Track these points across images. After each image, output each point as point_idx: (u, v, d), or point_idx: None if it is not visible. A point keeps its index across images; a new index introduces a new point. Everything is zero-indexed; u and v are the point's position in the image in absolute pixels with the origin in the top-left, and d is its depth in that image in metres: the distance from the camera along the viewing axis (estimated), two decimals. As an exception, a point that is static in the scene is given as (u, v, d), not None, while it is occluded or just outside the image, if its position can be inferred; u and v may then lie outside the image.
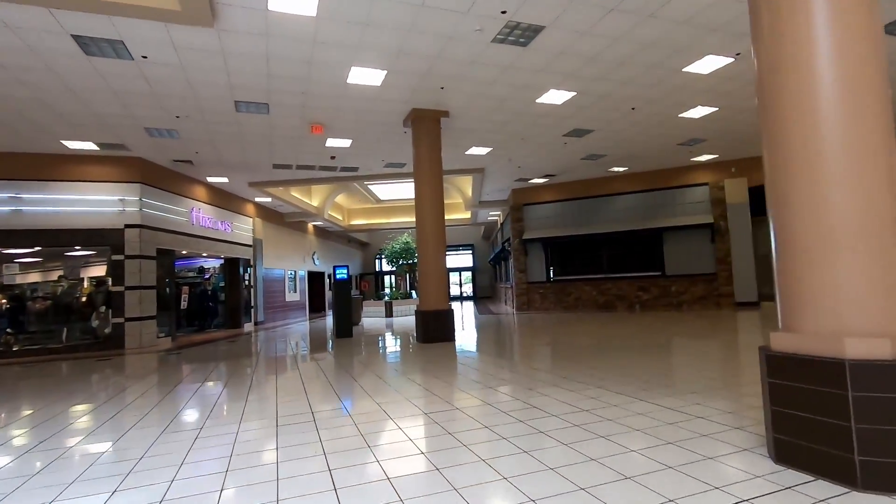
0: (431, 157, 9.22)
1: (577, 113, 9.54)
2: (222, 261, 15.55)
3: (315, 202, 19.42)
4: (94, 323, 10.72)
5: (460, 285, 33.39)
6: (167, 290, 11.80)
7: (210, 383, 5.99)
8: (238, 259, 15.45)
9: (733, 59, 7.42)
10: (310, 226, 22.38)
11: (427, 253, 9.06)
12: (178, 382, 6.14)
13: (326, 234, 24.88)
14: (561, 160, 13.23)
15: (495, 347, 8.30)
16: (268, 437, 3.61)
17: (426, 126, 9.13)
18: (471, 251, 33.25)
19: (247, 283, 15.91)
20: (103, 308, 10.68)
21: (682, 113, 9.83)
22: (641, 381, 4.86)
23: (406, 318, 16.23)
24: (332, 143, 10.52)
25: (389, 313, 17.06)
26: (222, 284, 15.67)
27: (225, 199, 14.72)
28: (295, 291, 20.38)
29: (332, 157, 11.77)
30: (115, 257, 10.58)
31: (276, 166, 12.31)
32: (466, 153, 12.01)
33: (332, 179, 14.16)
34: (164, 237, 11.59)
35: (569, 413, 3.81)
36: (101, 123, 8.66)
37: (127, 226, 10.68)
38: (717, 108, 9.66)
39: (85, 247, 10.63)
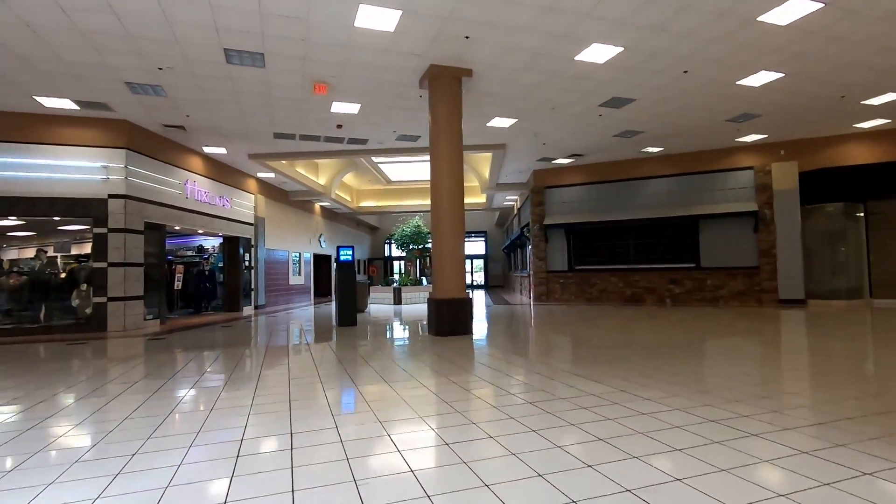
0: (450, 123, 8.01)
1: (620, 77, 8.26)
2: (221, 239, 14.54)
3: (322, 180, 18.32)
4: (75, 302, 9.76)
5: (471, 273, 32.26)
6: (156, 268, 10.80)
7: (176, 383, 4.94)
8: (238, 238, 14.43)
9: (822, 5, 6.09)
10: (317, 206, 21.31)
11: (443, 233, 7.91)
12: (138, 379, 5.10)
13: (334, 215, 23.82)
14: (591, 137, 11.94)
15: (520, 344, 7.17)
16: (219, 475, 2.52)
17: (446, 87, 7.92)
18: (483, 238, 32.06)
19: (247, 264, 14.91)
20: (84, 286, 9.71)
21: (740, 79, 8.49)
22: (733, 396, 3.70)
23: (415, 306, 15.15)
24: (338, 107, 9.35)
25: (398, 300, 16.00)
26: (221, 265, 14.68)
27: (223, 173, 13.65)
28: (299, 275, 19.38)
29: (339, 126, 10.61)
30: (97, 230, 9.56)
31: (277, 135, 11.18)
32: (488, 125, 10.78)
33: (339, 153, 13.01)
34: (154, 210, 10.55)
35: (680, 449, 2.68)
36: (74, 75, 7.56)
37: (111, 196, 9.65)
38: (782, 75, 8.31)
39: (64, 217, 9.62)
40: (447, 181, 7.99)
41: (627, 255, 14.54)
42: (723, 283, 13.21)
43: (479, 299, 18.37)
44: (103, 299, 9.52)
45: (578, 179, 15.12)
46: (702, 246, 13.50)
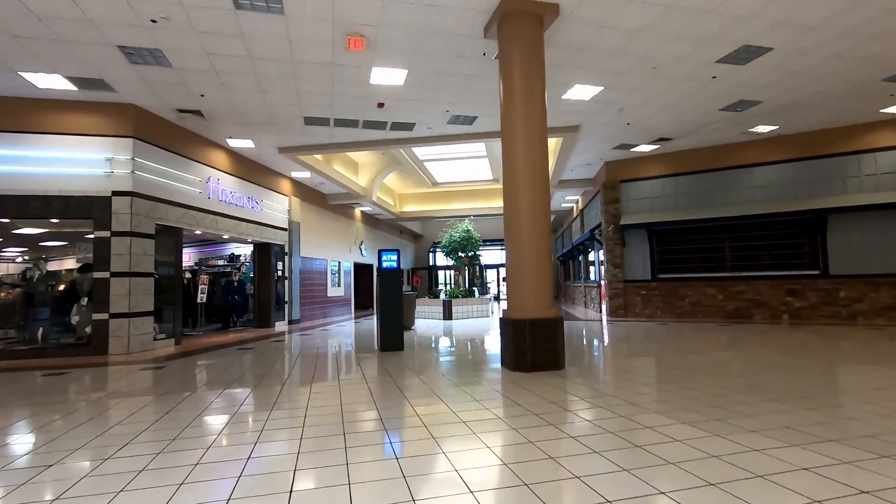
0: (529, 82, 5.91)
1: (762, 11, 5.94)
2: (252, 247, 13.02)
3: (362, 181, 16.64)
4: (74, 319, 8.28)
5: (522, 283, 29.79)
6: (171, 279, 9.24)
7: (126, 459, 3.04)
8: (269, 244, 12.86)
9: None
10: (357, 211, 19.69)
11: (520, 232, 5.80)
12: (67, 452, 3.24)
13: (375, 221, 22.17)
14: (690, 112, 9.55)
15: (657, 392, 4.88)
16: None
17: (522, 31, 5.84)
18: (534, 245, 29.59)
19: (280, 273, 13.32)
20: (85, 300, 8.21)
21: (940, 7, 5.97)
22: None
23: (468, 322, 13.04)
24: (378, 75, 7.47)
25: (448, 315, 13.96)
26: (252, 275, 13.14)
27: (252, 171, 12.12)
28: (339, 286, 17.73)
29: (380, 105, 8.76)
30: (98, 233, 8.07)
31: (308, 121, 9.46)
32: (564, 97, 8.62)
33: (380, 144, 11.19)
34: (168, 210, 9.02)
35: None
36: (55, 37, 6.03)
37: (115, 193, 8.15)
38: None
39: (61, 219, 8.18)
40: (525, 161, 5.87)
41: (727, 261, 11.90)
42: (861, 294, 10.36)
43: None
44: (105, 316, 7.98)
45: (662, 170, 12.66)
46: (830, 248, 10.71)
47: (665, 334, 9.06)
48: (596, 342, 8.54)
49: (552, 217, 24.48)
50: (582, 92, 8.40)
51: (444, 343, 8.73)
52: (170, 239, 9.20)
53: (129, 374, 6.27)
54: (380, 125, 9.87)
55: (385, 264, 7.67)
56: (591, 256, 17.27)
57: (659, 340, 8.23)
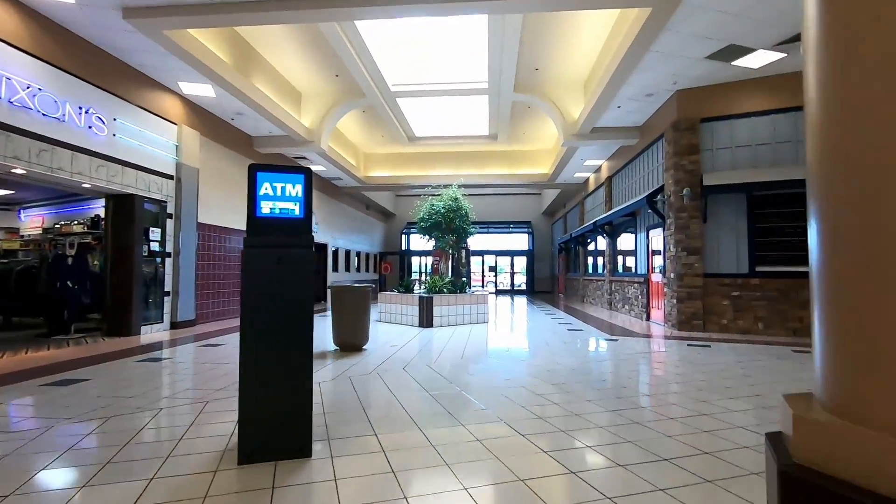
0: None
1: None
2: (105, 201, 7.84)
3: (307, 119, 11.55)
4: None
5: (512, 275, 25.26)
6: None
7: None
8: (132, 197, 7.70)
9: None
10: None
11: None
12: None
13: (333, 190, 17.05)
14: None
15: None
16: None
17: None
18: (528, 231, 25.02)
19: (156, 247, 8.20)
20: None
21: None
22: None
23: (461, 334, 8.20)
24: None
25: (427, 320, 9.06)
26: (93, 244, 7.99)
27: (89, 61, 6.88)
28: (272, 270, 12.60)
29: None
30: None
31: None
32: None
33: (306, 3, 6.15)
34: None
35: None
36: None
37: None
38: None
39: None
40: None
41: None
42: None
43: (542, 322, 11.43)
44: None
45: (771, 102, 8.05)
46: None
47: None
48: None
49: (556, 193, 19.87)
50: None
51: (440, 426, 3.72)
52: None
53: None
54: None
55: (266, 210, 2.68)
56: (623, 242, 12.66)
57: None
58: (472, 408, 3.67)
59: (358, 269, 20.77)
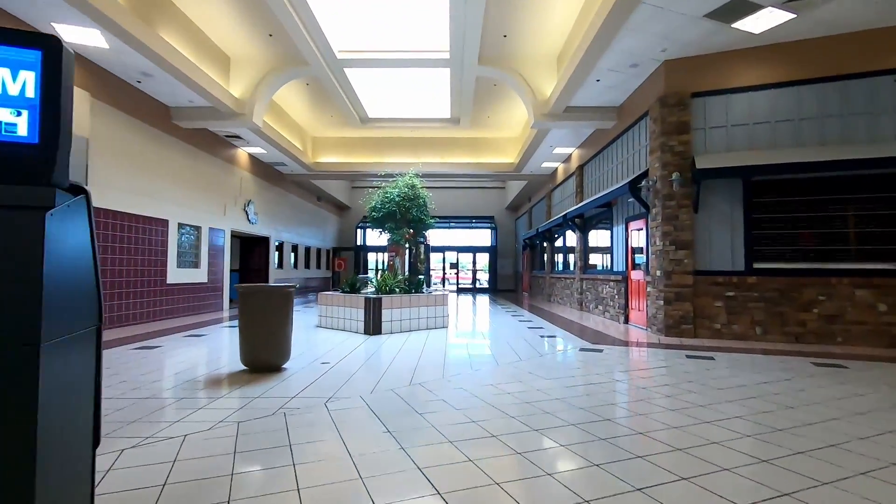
0: None
1: None
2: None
3: (236, 89, 9.85)
4: None
5: (474, 273, 24.05)
6: None
7: None
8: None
9: None
10: (241, 154, 12.71)
11: None
12: None
13: (278, 177, 15.25)
14: None
15: None
16: None
17: None
18: (490, 227, 23.86)
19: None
20: None
21: None
22: None
23: (414, 345, 6.78)
24: None
25: (374, 326, 7.56)
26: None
27: None
28: (195, 264, 10.83)
29: None
30: None
31: None
32: None
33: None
34: None
35: None
36: None
37: None
38: None
39: None
40: None
41: (895, 240, 6.56)
42: None
43: (508, 324, 10.19)
44: None
45: (772, 75, 7.05)
46: None
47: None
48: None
49: (521, 185, 18.69)
50: None
51: None
52: None
53: None
54: None
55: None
56: (597, 237, 11.62)
57: None
58: (417, 486, 2.28)
59: (308, 266, 18.98)
